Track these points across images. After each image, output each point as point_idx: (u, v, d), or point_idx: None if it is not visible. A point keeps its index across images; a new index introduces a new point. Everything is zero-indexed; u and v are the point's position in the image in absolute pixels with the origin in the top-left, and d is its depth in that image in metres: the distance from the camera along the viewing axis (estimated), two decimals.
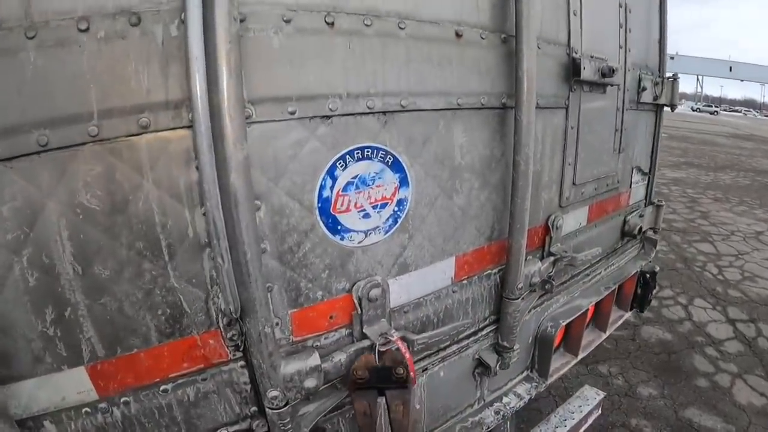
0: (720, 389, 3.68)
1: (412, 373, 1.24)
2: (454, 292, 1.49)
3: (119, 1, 0.87)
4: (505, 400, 1.96)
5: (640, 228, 2.33)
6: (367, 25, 1.08)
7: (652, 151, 2.47)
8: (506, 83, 1.41)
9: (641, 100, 2.19)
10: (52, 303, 0.95)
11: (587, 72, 1.65)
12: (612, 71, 1.73)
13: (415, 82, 1.20)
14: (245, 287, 0.99)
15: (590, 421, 2.90)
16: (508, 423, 2.24)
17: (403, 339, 1.27)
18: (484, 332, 1.68)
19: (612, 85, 1.87)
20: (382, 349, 1.22)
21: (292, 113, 1.04)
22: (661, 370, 3.92)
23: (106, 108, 0.89)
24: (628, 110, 2.10)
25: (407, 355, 1.22)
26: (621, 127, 2.07)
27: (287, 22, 0.98)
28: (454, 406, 1.77)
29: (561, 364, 2.19)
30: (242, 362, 1.16)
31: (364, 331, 1.26)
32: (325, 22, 1.03)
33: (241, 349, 1.13)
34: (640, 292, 2.51)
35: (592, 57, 1.73)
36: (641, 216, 2.44)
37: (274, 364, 1.09)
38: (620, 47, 1.96)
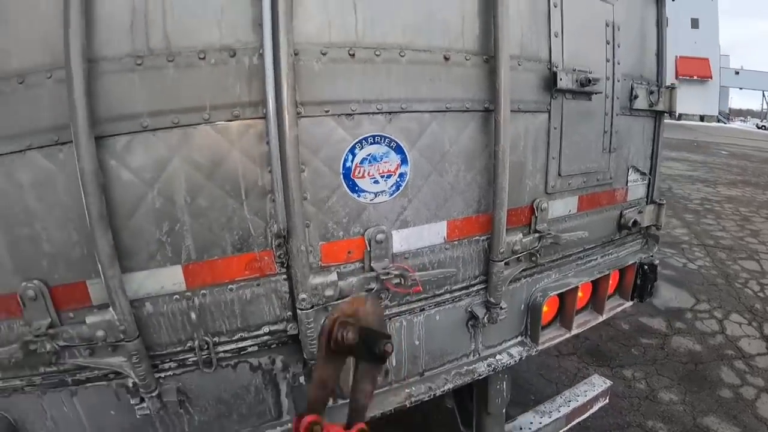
0: (744, 401, 3.97)
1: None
2: (446, 249, 2.15)
3: (223, 42, 1.66)
4: (498, 357, 2.56)
5: (635, 221, 2.86)
6: (377, 55, 1.82)
7: (652, 154, 3.00)
8: (488, 92, 2.08)
9: (634, 107, 2.76)
10: (168, 220, 1.70)
11: (563, 83, 2.28)
12: (589, 81, 2.34)
13: (412, 92, 1.91)
14: (291, 218, 1.73)
15: (595, 407, 3.41)
16: (504, 382, 2.82)
17: (400, 274, 1.94)
18: (475, 288, 2.32)
19: (596, 93, 2.47)
20: (383, 278, 1.90)
21: (327, 112, 1.79)
22: (685, 378, 4.25)
23: (214, 104, 1.67)
24: (619, 115, 2.68)
25: (411, 271, 1.90)
26: (611, 130, 2.66)
27: (324, 54, 1.75)
28: (451, 352, 2.41)
29: (554, 336, 2.75)
30: (285, 276, 1.89)
31: (371, 264, 1.94)
32: (348, 54, 1.78)
33: (285, 265, 1.86)
34: (639, 282, 3.01)
35: (574, 70, 2.35)
36: (640, 212, 2.97)
37: (305, 274, 1.81)
38: (607, 60, 2.56)
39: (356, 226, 1.93)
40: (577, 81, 2.35)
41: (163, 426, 1.99)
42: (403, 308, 2.16)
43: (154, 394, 1.80)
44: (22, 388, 1.78)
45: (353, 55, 1.78)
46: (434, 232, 2.11)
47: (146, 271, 1.73)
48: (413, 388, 2.36)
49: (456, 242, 2.18)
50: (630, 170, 2.88)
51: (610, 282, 2.89)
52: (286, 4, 1.58)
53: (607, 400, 3.58)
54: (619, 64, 2.63)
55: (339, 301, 1.91)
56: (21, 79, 1.50)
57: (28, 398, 1.81)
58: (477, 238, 2.24)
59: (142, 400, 1.80)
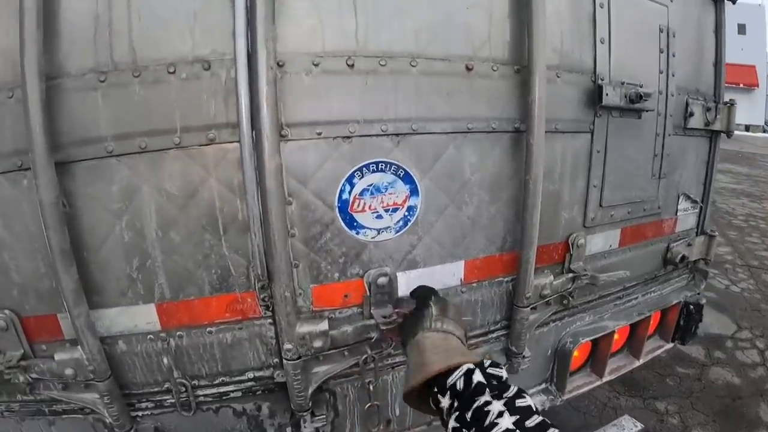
0: None
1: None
2: (462, 292, 1.76)
3: (196, 53, 1.33)
4: None
5: (683, 257, 2.39)
6: (382, 65, 1.44)
7: (705, 179, 2.51)
8: (520, 109, 1.67)
9: (689, 126, 2.28)
10: (138, 255, 1.44)
11: (610, 98, 1.84)
12: (640, 97, 1.89)
13: (426, 110, 1.52)
14: (272, 259, 1.39)
15: None
16: None
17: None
18: (494, 335, 1.92)
19: (647, 111, 2.01)
20: (383, 327, 1.53)
21: (319, 134, 1.43)
22: (721, 414, 3.76)
23: (186, 125, 1.35)
24: (672, 136, 2.21)
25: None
26: (662, 153, 2.19)
27: (316, 65, 1.38)
28: None
29: (584, 383, 2.33)
30: (270, 320, 1.57)
31: (371, 311, 1.58)
32: (347, 64, 1.40)
33: (270, 309, 1.54)
34: (683, 323, 2.54)
35: (622, 83, 1.91)
36: (689, 245, 2.49)
37: (290, 323, 1.48)
38: (660, 72, 2.10)
39: (354, 267, 1.58)
40: (626, 96, 1.90)
41: None
42: None
43: None
44: (1, 413, 1.65)
45: (352, 65, 1.41)
46: (449, 274, 1.72)
47: (118, 308, 1.49)
48: None
49: (474, 285, 1.79)
50: (681, 198, 2.40)
51: (651, 323, 2.44)
52: (266, 4, 1.23)
53: None
54: (673, 76, 2.15)
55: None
56: None
57: (7, 422, 1.68)
58: (500, 279, 1.84)
59: None
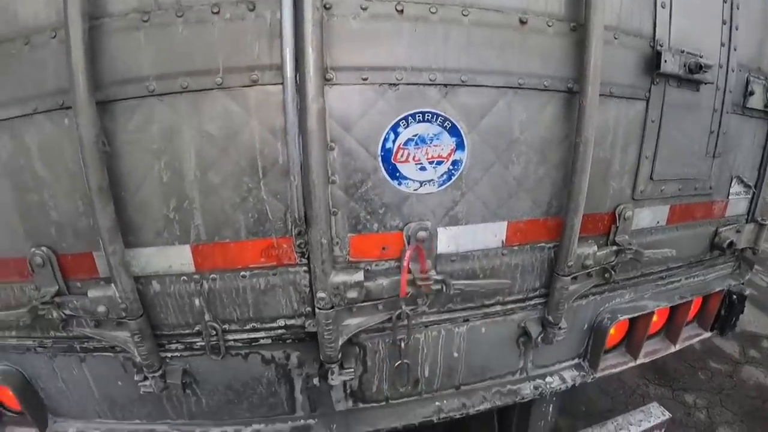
0: None
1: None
2: (503, 254, 1.62)
3: None
4: (548, 379, 2.01)
5: (731, 242, 2.15)
6: (432, 12, 1.31)
7: (761, 164, 2.24)
8: (574, 69, 1.49)
9: (748, 105, 2.03)
10: (176, 195, 1.38)
11: (669, 65, 1.64)
12: (700, 67, 1.68)
13: (476, 61, 1.38)
14: (310, 205, 1.29)
15: None
16: (551, 406, 2.24)
17: (443, 280, 1.45)
18: (532, 302, 1.77)
19: (705, 83, 1.80)
20: (420, 283, 1.41)
21: (365, 79, 1.32)
22: (750, 415, 3.47)
23: (228, 66, 1.27)
24: (729, 113, 1.97)
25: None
26: (718, 130, 1.96)
27: (364, 9, 1.27)
28: (494, 369, 1.89)
29: (617, 363, 2.16)
30: (305, 268, 1.48)
31: (409, 265, 1.45)
32: (396, 9, 1.28)
33: (306, 256, 1.44)
34: (723, 313, 2.30)
35: (682, 52, 1.70)
36: (738, 231, 2.24)
37: (325, 271, 1.39)
38: (722, 45, 1.86)
39: (395, 218, 1.46)
40: (685, 65, 1.70)
41: (170, 403, 1.76)
42: (444, 317, 1.67)
43: (157, 374, 1.56)
44: (35, 349, 1.64)
45: (401, 11, 1.29)
46: (490, 234, 1.58)
47: (153, 248, 1.44)
48: (445, 402, 1.89)
49: (516, 248, 1.64)
50: (734, 181, 2.14)
51: (691, 309, 2.21)
52: None
53: None
54: (735, 50, 1.91)
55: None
56: (26, 40, 1.26)
57: (40, 358, 1.67)
58: (542, 245, 1.68)
59: (146, 377, 1.57)
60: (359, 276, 1.41)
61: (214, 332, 1.55)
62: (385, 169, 1.38)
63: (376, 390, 1.79)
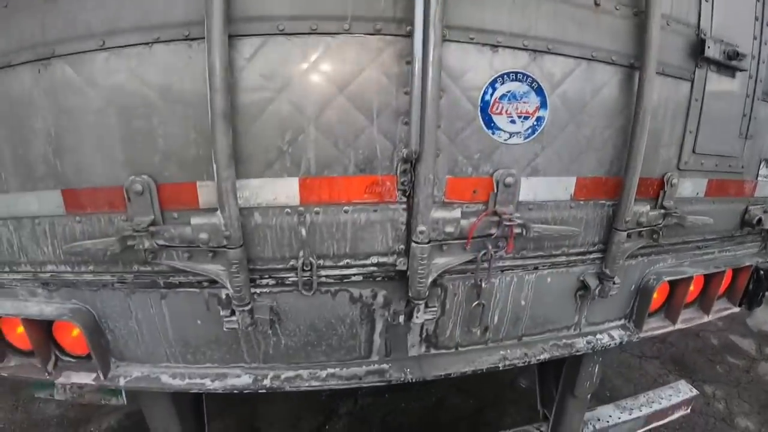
0: None
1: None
2: (571, 207, 1.82)
3: None
4: (598, 336, 2.18)
5: (760, 219, 2.35)
6: None
7: None
8: (635, 47, 1.73)
9: None
10: (292, 129, 1.50)
11: (711, 51, 1.88)
12: (737, 54, 1.93)
13: (560, 32, 1.61)
14: (423, 142, 1.47)
15: (676, 414, 2.91)
16: (597, 366, 2.40)
17: (524, 224, 1.64)
18: (591, 256, 1.96)
19: (740, 71, 2.03)
20: (506, 224, 1.60)
21: (472, 39, 1.53)
22: (766, 407, 3.61)
23: (356, 14, 1.45)
24: (759, 101, 2.21)
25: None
26: (750, 114, 2.19)
27: None
28: (553, 320, 2.06)
29: (658, 326, 2.32)
30: (404, 206, 1.63)
31: (495, 209, 1.65)
32: None
33: (406, 194, 1.60)
34: (752, 288, 2.49)
35: (721, 41, 1.94)
36: (766, 212, 2.45)
37: (428, 205, 1.54)
38: (754, 38, 2.11)
39: (486, 164, 1.65)
40: (724, 52, 1.94)
41: (247, 344, 1.81)
42: (518, 262, 1.85)
43: (246, 309, 1.61)
44: (113, 284, 1.65)
45: None
46: (562, 187, 1.78)
47: (261, 179, 1.54)
48: (509, 351, 2.04)
49: (582, 202, 1.84)
50: (762, 163, 2.37)
51: (723, 281, 2.40)
52: None
53: (689, 410, 3.05)
54: (765, 44, 2.16)
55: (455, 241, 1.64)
56: None
57: (116, 295, 1.68)
58: (602, 202, 1.88)
59: (233, 313, 1.61)
60: (457, 213, 1.60)
61: (309, 267, 1.63)
62: (482, 119, 1.58)
63: (449, 335, 1.95)
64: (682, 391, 2.95)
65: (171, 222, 1.54)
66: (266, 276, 1.68)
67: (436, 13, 1.38)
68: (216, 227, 1.47)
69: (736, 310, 2.62)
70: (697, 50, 1.90)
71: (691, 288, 2.29)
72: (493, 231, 1.67)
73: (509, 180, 1.64)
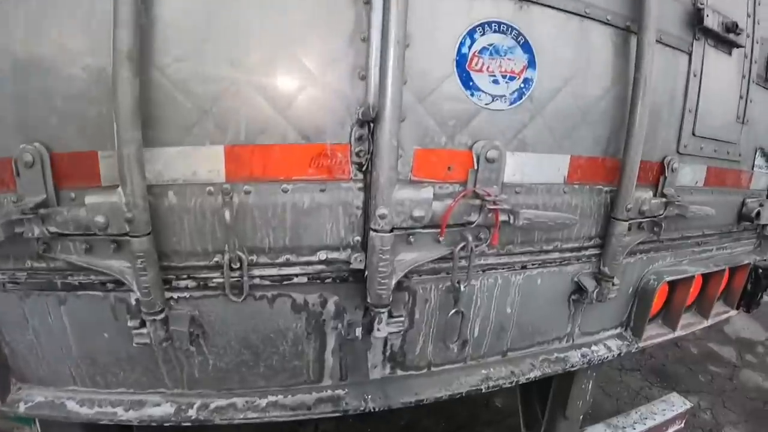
0: None
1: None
2: (564, 192, 1.50)
3: None
4: (594, 348, 1.87)
5: (758, 212, 2.13)
6: None
7: None
8: (631, 9, 1.47)
9: None
10: (217, 81, 1.14)
11: (710, 20, 1.66)
12: (735, 26, 1.71)
13: None
14: (383, 98, 1.13)
15: (670, 430, 2.61)
16: (590, 382, 2.09)
17: (511, 209, 1.31)
18: (587, 253, 1.65)
19: (738, 46, 1.82)
20: (490, 207, 1.26)
21: None
22: (753, 416, 3.45)
23: None
24: (754, 83, 2.01)
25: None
26: (746, 97, 1.98)
27: None
28: (543, 331, 1.73)
29: (657, 334, 2.04)
30: (360, 185, 1.26)
31: (476, 189, 1.31)
32: None
33: (362, 169, 1.24)
34: (750, 288, 2.26)
35: (719, 13, 1.72)
36: (761, 206, 2.23)
37: (390, 181, 1.18)
38: (748, 16, 1.92)
39: (464, 134, 1.31)
40: (722, 24, 1.72)
41: (166, 365, 1.40)
42: (503, 260, 1.50)
43: (158, 318, 1.22)
44: (3, 284, 1.27)
45: None
46: (554, 167, 1.47)
47: (178, 148, 1.16)
48: (492, 370, 1.69)
49: (576, 187, 1.52)
50: (757, 152, 2.16)
51: (722, 281, 2.15)
52: None
53: (682, 425, 2.78)
54: (758, 24, 1.97)
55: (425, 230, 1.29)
56: None
57: (8, 299, 1.29)
58: (599, 187, 1.58)
59: (143, 323, 1.23)
60: (428, 192, 1.24)
61: (238, 264, 1.24)
62: (459, 75, 1.25)
63: (419, 353, 1.57)
64: (675, 404, 2.67)
65: (67, 204, 1.16)
66: (184, 276, 1.27)
67: None
68: (116, 207, 1.09)
69: (734, 313, 2.39)
70: (694, 20, 1.67)
71: (691, 289, 2.03)
72: (474, 218, 1.32)
73: (492, 154, 1.31)
